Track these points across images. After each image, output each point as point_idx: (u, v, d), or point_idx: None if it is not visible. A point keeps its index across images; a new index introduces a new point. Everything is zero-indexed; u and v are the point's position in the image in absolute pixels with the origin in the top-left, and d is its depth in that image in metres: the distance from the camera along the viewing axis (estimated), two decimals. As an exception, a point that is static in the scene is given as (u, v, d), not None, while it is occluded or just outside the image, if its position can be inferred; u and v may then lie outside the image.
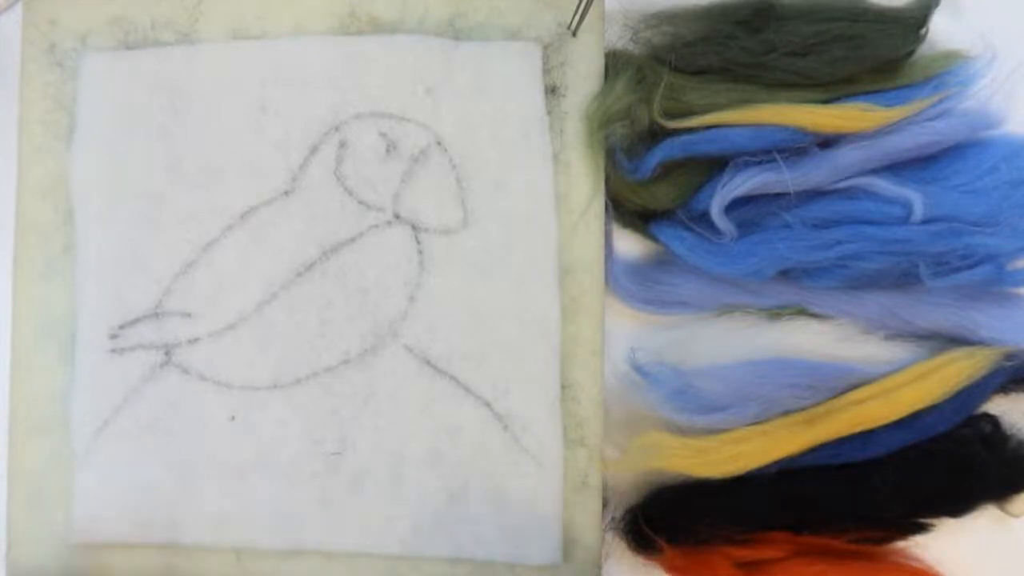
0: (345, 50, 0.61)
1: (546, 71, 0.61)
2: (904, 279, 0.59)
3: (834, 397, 0.59)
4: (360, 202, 0.60)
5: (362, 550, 0.59)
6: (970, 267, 0.59)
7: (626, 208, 0.62)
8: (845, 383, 0.59)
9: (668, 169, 0.60)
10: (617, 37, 0.62)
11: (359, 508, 0.59)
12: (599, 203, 0.61)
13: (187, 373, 0.59)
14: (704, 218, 0.60)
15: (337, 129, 0.60)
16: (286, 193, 0.60)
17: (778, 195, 0.60)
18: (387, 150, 0.60)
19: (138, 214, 0.60)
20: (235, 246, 0.59)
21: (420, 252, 0.60)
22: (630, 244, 0.63)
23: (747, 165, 0.59)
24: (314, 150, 0.60)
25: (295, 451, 0.59)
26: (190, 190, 0.60)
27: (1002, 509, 0.60)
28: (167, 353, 0.59)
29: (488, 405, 0.60)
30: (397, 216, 0.60)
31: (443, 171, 0.60)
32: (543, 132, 0.61)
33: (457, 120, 0.60)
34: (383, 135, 0.60)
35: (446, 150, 0.60)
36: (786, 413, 0.59)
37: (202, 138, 0.60)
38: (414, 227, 0.60)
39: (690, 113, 0.59)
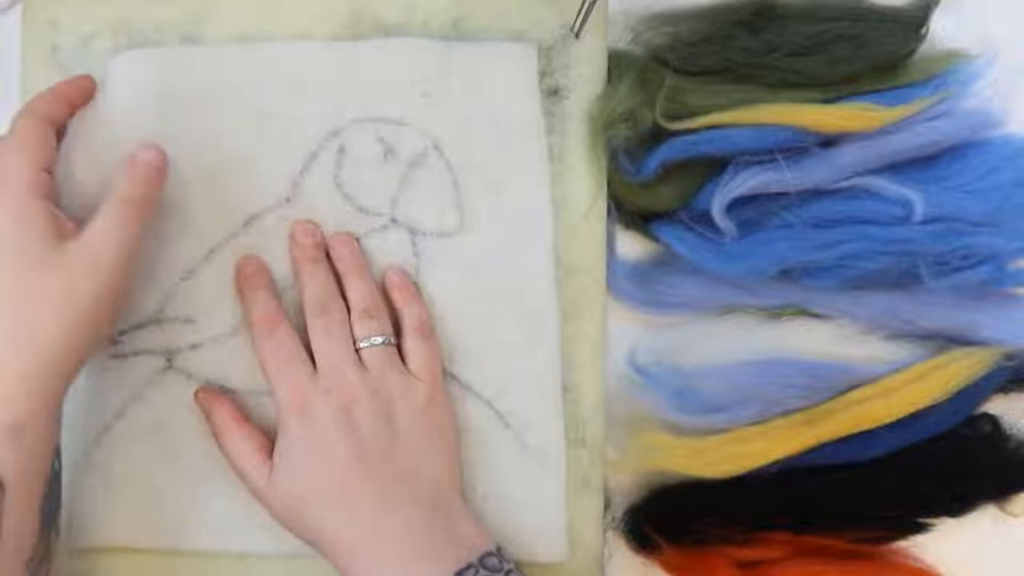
0: (343, 55, 0.61)
1: (549, 73, 0.61)
2: (905, 279, 0.59)
3: (834, 397, 0.59)
4: (359, 208, 0.60)
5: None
6: (970, 267, 0.59)
7: (627, 209, 0.62)
8: (845, 383, 0.59)
9: (669, 170, 0.60)
10: (618, 38, 0.62)
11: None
12: (601, 205, 0.61)
13: (190, 378, 0.59)
14: (705, 218, 0.60)
15: (336, 135, 0.60)
16: (287, 200, 0.60)
17: (779, 195, 0.60)
18: (385, 155, 0.60)
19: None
20: (238, 252, 0.59)
21: (416, 256, 0.60)
22: (630, 246, 0.63)
23: (748, 165, 0.59)
24: (314, 156, 0.60)
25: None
26: (193, 195, 0.60)
27: (1002, 509, 0.60)
28: (169, 359, 0.59)
29: (490, 404, 0.60)
30: (394, 220, 0.60)
31: (440, 175, 0.60)
32: (540, 134, 0.61)
33: (454, 123, 0.60)
34: (381, 140, 0.60)
35: (443, 154, 0.60)
36: (786, 413, 0.59)
37: (205, 143, 0.60)
38: (411, 231, 0.60)
39: (691, 114, 0.59)
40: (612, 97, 0.60)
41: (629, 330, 0.62)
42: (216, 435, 0.58)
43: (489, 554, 0.53)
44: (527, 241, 0.60)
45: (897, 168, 0.60)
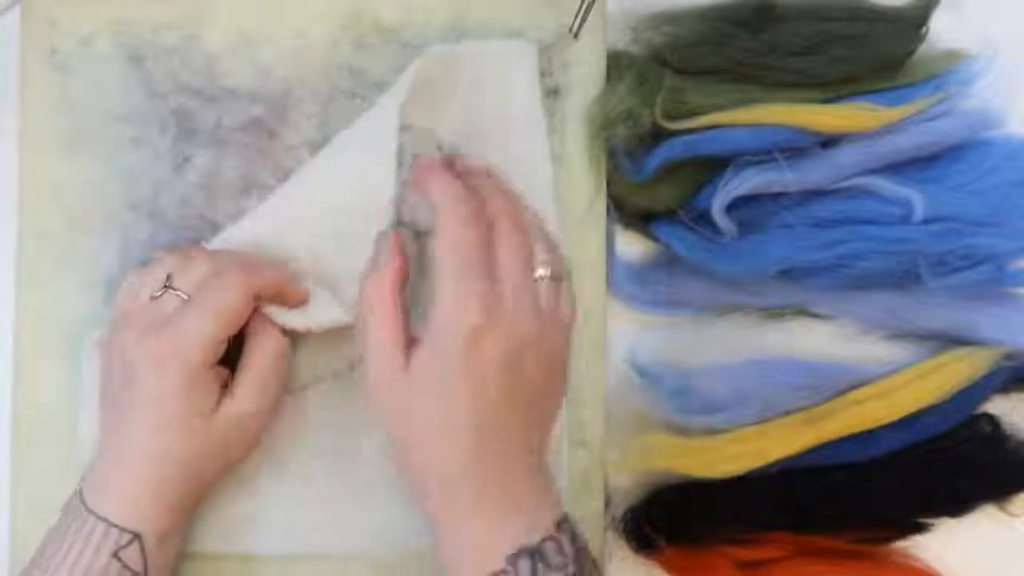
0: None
1: (548, 73, 0.61)
2: (905, 279, 0.59)
3: (834, 397, 0.59)
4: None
5: (369, 552, 0.59)
6: (970, 267, 0.59)
7: (627, 209, 0.62)
8: (845, 383, 0.59)
9: (669, 169, 0.60)
10: (618, 38, 0.62)
11: (369, 511, 0.59)
12: (600, 205, 0.61)
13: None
14: (705, 218, 0.60)
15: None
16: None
17: (779, 195, 0.60)
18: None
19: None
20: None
21: (420, 255, 0.60)
22: (630, 246, 0.63)
23: (748, 165, 0.59)
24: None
25: (302, 456, 0.59)
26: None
27: (1002, 509, 0.60)
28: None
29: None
30: (399, 222, 0.60)
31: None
32: (541, 133, 0.60)
33: (456, 123, 0.60)
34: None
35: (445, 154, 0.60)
36: (786, 413, 0.59)
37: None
38: (415, 233, 0.60)
39: (691, 114, 0.59)
40: (611, 97, 0.60)
41: (629, 330, 0.62)
42: (371, 279, 0.52)
43: (565, 520, 0.51)
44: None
45: (897, 168, 0.60)
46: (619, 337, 0.62)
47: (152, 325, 0.52)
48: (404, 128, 0.59)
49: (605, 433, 0.61)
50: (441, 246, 0.50)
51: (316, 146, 0.60)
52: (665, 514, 0.60)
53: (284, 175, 0.59)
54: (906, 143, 0.59)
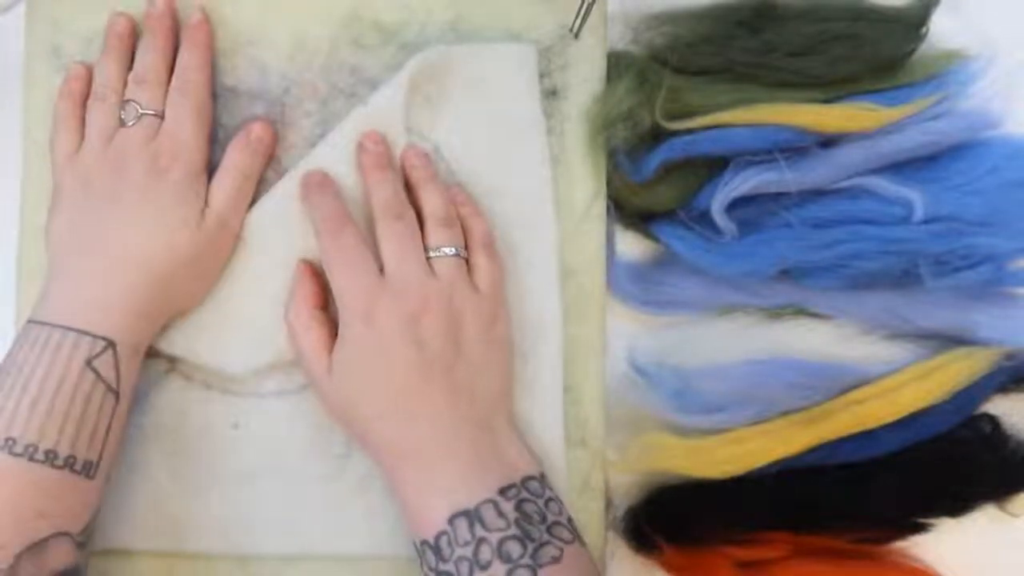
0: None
1: (547, 74, 0.61)
2: (904, 279, 0.59)
3: (834, 397, 0.59)
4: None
5: (369, 553, 0.59)
6: (970, 267, 0.59)
7: (627, 209, 0.62)
8: (845, 383, 0.59)
9: (669, 169, 0.60)
10: (618, 38, 0.62)
11: (366, 511, 0.59)
12: (600, 205, 0.61)
13: (190, 380, 0.59)
14: (705, 218, 0.60)
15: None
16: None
17: (779, 195, 0.60)
18: (388, 162, 0.60)
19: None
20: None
21: None
22: (630, 246, 0.63)
23: (748, 165, 0.59)
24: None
25: (301, 455, 0.60)
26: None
27: (1002, 509, 0.60)
28: (171, 361, 0.59)
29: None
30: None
31: (442, 178, 0.60)
32: (541, 134, 0.61)
33: (455, 126, 0.60)
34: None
35: (444, 157, 0.60)
36: (786, 413, 0.59)
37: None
38: None
39: (691, 114, 0.59)
40: (611, 97, 0.60)
41: (629, 330, 0.62)
42: (290, 310, 0.57)
43: (531, 478, 0.54)
44: (529, 243, 0.60)
45: (897, 168, 0.60)
46: (619, 337, 0.62)
47: (141, 142, 0.56)
48: (404, 131, 0.60)
49: (605, 433, 0.61)
50: (324, 258, 0.56)
51: (316, 146, 0.60)
52: (665, 514, 0.60)
53: (284, 174, 0.60)
54: (907, 143, 0.59)
